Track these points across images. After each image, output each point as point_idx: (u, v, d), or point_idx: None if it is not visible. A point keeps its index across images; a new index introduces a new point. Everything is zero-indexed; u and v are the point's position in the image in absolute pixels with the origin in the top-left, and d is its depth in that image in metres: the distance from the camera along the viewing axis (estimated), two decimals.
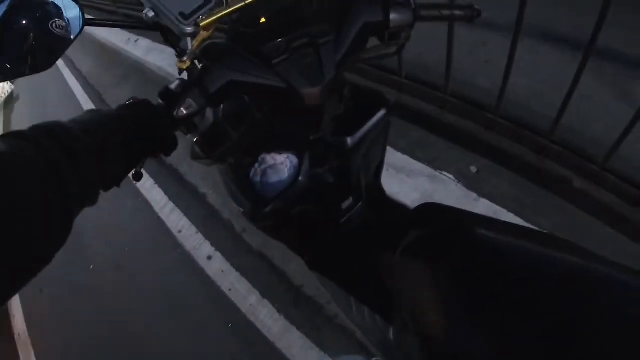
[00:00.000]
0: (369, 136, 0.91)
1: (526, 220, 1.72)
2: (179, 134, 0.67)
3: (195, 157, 0.89)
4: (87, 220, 2.89)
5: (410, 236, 0.88)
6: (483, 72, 2.32)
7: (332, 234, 1.10)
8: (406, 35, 0.83)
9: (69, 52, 0.67)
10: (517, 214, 1.76)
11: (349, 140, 0.88)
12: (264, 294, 2.02)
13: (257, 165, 0.87)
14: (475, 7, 0.86)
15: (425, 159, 2.04)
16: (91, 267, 2.79)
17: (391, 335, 0.99)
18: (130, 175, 0.64)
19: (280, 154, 0.87)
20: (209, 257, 2.26)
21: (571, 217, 1.71)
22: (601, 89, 2.08)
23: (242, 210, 0.92)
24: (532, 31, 1.84)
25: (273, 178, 0.87)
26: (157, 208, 2.72)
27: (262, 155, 0.87)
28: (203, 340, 2.03)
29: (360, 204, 1.04)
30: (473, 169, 1.96)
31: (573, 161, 1.75)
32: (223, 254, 2.25)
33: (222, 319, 2.03)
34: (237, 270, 2.15)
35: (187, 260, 2.33)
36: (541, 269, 0.65)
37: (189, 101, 0.63)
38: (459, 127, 2.02)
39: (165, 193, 2.78)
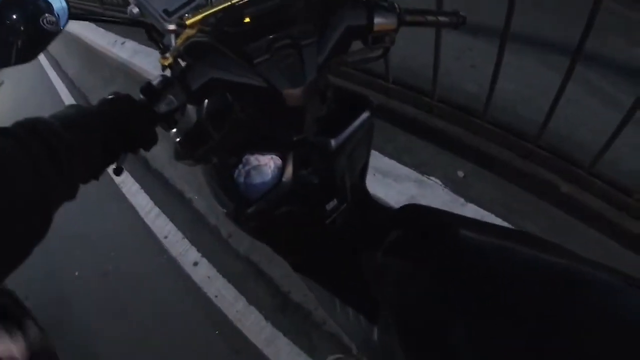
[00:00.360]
0: (353, 138, 0.91)
1: (513, 225, 1.73)
2: (163, 136, 0.68)
3: (178, 157, 0.89)
4: (72, 226, 2.85)
5: (393, 236, 0.89)
6: (470, 76, 2.34)
7: (317, 236, 1.09)
8: (390, 39, 0.83)
9: (56, 54, 0.67)
10: (504, 218, 1.76)
11: (333, 142, 0.87)
12: (251, 300, 2.00)
13: (240, 166, 0.87)
14: (461, 13, 0.86)
15: (412, 163, 2.04)
16: (76, 273, 2.73)
17: (375, 336, 0.98)
18: (111, 170, 0.65)
19: (264, 155, 0.87)
20: (195, 263, 2.23)
21: (558, 222, 1.72)
22: (587, 93, 2.10)
23: (225, 211, 0.91)
24: (519, 36, 1.86)
25: (256, 179, 0.86)
26: (142, 213, 2.68)
27: (246, 156, 0.86)
28: (189, 348, 1.99)
29: (344, 205, 1.04)
30: (460, 173, 1.96)
31: (560, 166, 1.76)
32: (209, 260, 2.22)
33: (208, 326, 2.00)
34: (223, 276, 2.13)
35: (173, 266, 2.29)
36: (525, 270, 0.66)
37: (170, 97, 0.64)
38: (446, 131, 2.02)
39: (151, 198, 2.74)
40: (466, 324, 0.63)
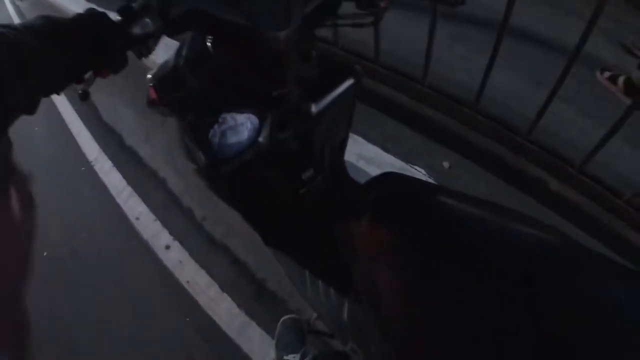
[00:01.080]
0: (334, 105, 0.88)
1: None
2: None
3: (150, 103, 0.87)
4: (41, 204, 2.71)
5: (369, 203, 0.87)
6: (461, 66, 2.28)
7: (290, 205, 1.07)
8: (384, 4, 0.78)
9: None
10: None
11: (314, 107, 0.85)
12: (224, 287, 1.92)
13: (216, 126, 0.83)
14: None
15: (396, 151, 1.99)
16: (44, 253, 2.62)
17: (345, 313, 0.96)
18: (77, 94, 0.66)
19: (241, 114, 0.83)
20: (167, 247, 2.14)
21: (545, 220, 1.68)
22: (578, 91, 2.07)
23: (195, 167, 0.88)
24: (513, 29, 1.81)
25: (232, 139, 0.83)
26: (114, 192, 2.56)
27: (223, 115, 0.82)
28: (158, 334, 1.92)
29: (321, 176, 1.01)
30: (446, 164, 1.91)
31: (550, 163, 1.72)
32: (182, 243, 2.13)
33: (179, 312, 1.92)
34: (196, 261, 2.04)
35: (144, 249, 2.20)
36: (505, 240, 0.65)
37: (147, 21, 0.62)
38: (434, 120, 1.97)
39: (124, 177, 2.62)
40: (446, 295, 0.62)
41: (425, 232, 0.70)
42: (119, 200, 2.51)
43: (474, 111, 1.84)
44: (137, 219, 2.35)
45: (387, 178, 0.92)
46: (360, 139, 2.02)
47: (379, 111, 2.11)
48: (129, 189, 2.53)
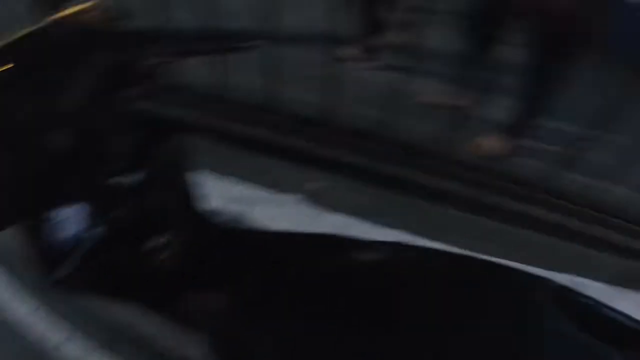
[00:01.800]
0: (160, 167, 0.86)
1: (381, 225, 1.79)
2: None
3: None
4: None
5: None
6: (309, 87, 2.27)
7: (153, 276, 1.01)
8: (160, 72, 0.75)
9: None
10: (374, 221, 1.81)
11: (135, 178, 0.82)
12: None
13: (46, 225, 0.78)
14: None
15: (266, 184, 1.99)
16: None
17: None
18: None
19: (66, 207, 0.79)
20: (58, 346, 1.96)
21: (423, 215, 1.83)
22: None
23: (36, 276, 0.83)
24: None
25: (61, 236, 0.79)
26: None
27: (50, 212, 0.77)
28: None
29: (174, 238, 0.97)
30: (316, 185, 1.93)
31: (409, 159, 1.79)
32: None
33: None
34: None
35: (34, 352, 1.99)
36: (331, 275, 0.73)
37: None
38: (294, 146, 1.98)
39: None
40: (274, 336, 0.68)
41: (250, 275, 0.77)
42: None
43: (327, 128, 1.87)
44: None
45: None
46: (226, 182, 1.99)
47: (238, 149, 2.10)
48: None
